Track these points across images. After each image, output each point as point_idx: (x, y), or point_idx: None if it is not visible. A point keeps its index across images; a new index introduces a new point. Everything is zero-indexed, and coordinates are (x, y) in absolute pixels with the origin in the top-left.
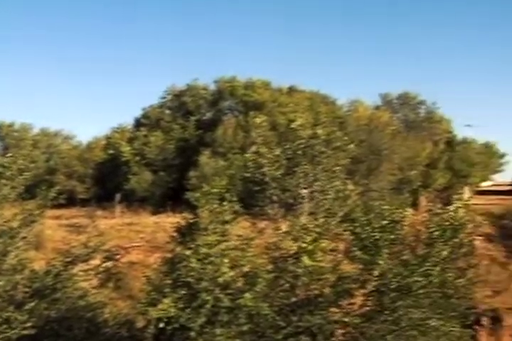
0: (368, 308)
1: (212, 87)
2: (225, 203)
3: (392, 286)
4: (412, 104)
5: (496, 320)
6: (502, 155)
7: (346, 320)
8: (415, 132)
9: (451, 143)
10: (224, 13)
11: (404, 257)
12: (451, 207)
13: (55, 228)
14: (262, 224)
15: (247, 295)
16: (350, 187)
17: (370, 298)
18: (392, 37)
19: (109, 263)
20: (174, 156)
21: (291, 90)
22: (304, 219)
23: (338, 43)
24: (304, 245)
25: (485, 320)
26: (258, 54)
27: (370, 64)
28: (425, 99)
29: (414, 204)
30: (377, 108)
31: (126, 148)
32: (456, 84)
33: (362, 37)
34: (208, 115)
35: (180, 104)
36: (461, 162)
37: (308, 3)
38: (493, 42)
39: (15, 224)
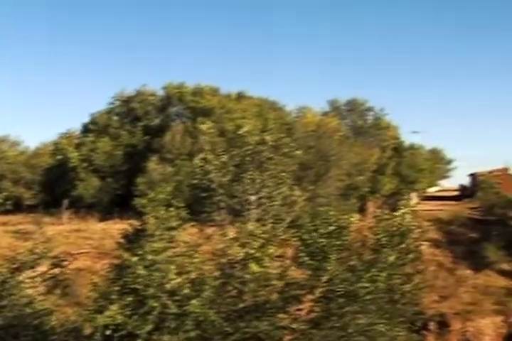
0: (315, 314)
1: (161, 92)
2: (171, 209)
3: (339, 292)
4: (360, 110)
5: (443, 324)
6: (449, 161)
7: (294, 326)
8: (363, 138)
9: (398, 149)
10: (172, 19)
11: (352, 263)
12: (398, 213)
13: (1, 234)
14: (209, 231)
15: (194, 301)
16: (298, 193)
17: (317, 304)
18: (341, 44)
19: (56, 270)
20: (122, 162)
21: (240, 96)
22: (251, 226)
23: (288, 50)
24: (252, 251)
25: (432, 325)
26: (207, 60)
27: (320, 70)
28: (373, 105)
29: (362, 210)
30: (325, 114)
31: (73, 154)
32: (404, 91)
33: (311, 43)
34: (156, 121)
35: (128, 109)
36: (408, 168)
37: (253, 9)
38: (438, 49)
39: None
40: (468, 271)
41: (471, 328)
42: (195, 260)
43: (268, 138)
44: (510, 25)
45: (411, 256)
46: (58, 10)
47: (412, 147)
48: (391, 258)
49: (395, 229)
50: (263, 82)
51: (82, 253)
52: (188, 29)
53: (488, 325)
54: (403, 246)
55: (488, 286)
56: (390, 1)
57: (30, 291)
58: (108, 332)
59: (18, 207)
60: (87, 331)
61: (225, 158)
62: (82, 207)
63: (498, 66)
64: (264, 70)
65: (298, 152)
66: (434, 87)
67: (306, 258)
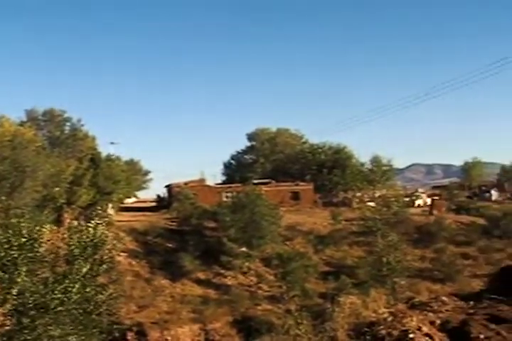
0: (7, 328)
1: None
2: None
3: (30, 305)
4: (57, 120)
5: (142, 334)
6: (146, 173)
7: None
8: (60, 149)
9: (95, 160)
10: None
11: (45, 275)
12: (92, 224)
13: None
14: None
15: None
16: None
17: (9, 318)
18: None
19: None
20: None
21: None
22: None
23: None
24: None
25: (130, 335)
26: None
27: (14, 81)
28: (71, 116)
29: (59, 221)
30: (22, 124)
31: None
32: (102, 103)
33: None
34: None
35: None
36: (105, 179)
37: None
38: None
39: None
40: (166, 281)
41: (169, 337)
42: None
43: None
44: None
45: (105, 266)
46: None
47: (109, 158)
48: (84, 269)
49: (88, 240)
50: None
51: None
52: None
53: (186, 333)
54: (96, 257)
55: (185, 295)
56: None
57: None
58: None
59: None
60: None
61: None
62: None
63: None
64: None
65: None
66: (130, 101)
67: None
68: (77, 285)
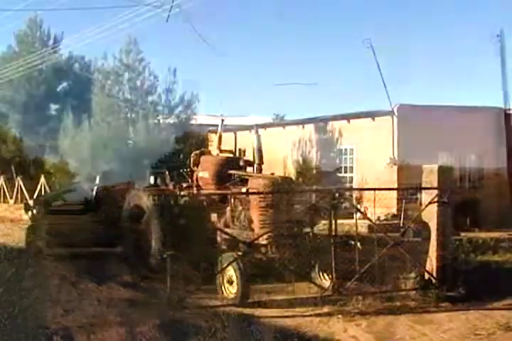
0: None
1: None
2: None
3: None
4: None
5: (68, 338)
6: (74, 175)
7: None
8: None
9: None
10: None
11: None
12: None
13: None
14: None
15: None
16: None
17: None
18: None
19: None
20: None
21: None
22: None
23: None
24: None
25: (57, 340)
26: None
27: None
28: None
29: None
30: None
31: None
32: (30, 104)
33: None
34: None
35: None
36: (32, 181)
37: None
38: None
39: None
40: (92, 284)
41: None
42: None
43: None
44: None
45: (30, 270)
46: None
47: (36, 160)
48: (9, 273)
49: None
50: None
51: None
52: None
53: (113, 336)
54: (22, 260)
55: (112, 298)
56: None
57: None
58: None
59: None
60: None
61: None
62: None
63: None
64: None
65: None
66: (58, 103)
67: None
68: (1, 290)
